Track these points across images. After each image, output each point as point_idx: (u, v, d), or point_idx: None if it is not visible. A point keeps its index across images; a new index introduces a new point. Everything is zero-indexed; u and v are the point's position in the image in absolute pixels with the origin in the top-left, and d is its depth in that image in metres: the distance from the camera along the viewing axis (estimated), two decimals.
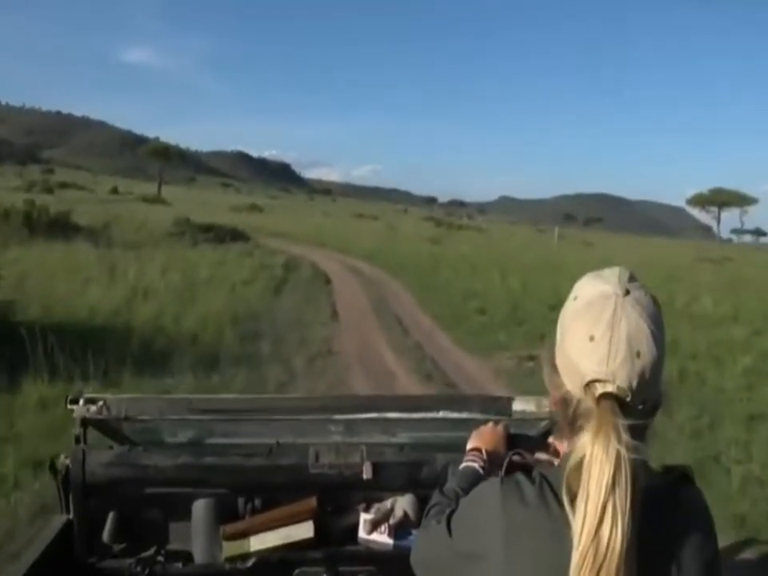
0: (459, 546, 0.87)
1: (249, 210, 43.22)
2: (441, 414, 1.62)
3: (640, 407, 0.79)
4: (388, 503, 1.60)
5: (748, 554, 2.59)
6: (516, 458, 0.90)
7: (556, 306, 1.57)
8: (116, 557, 1.57)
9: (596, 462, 0.74)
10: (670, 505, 0.83)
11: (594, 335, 0.79)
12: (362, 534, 1.58)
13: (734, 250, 48.88)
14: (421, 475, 1.60)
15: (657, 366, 0.79)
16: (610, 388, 0.78)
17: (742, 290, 15.44)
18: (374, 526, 1.56)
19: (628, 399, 0.77)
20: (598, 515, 0.72)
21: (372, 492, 1.62)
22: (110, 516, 1.57)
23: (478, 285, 13.38)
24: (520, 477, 0.83)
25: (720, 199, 72.46)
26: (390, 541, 1.55)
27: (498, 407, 1.58)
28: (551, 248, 30.52)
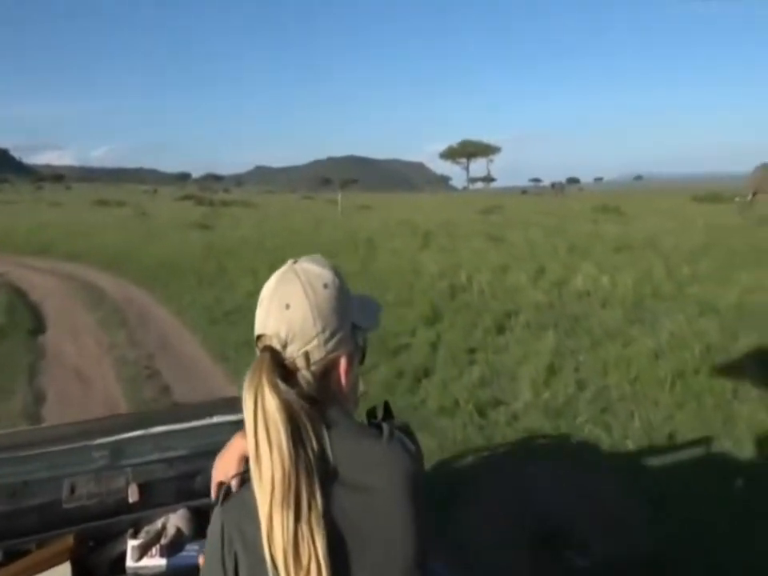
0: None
1: None
2: (215, 419, 1.67)
3: (296, 355, 0.88)
4: (159, 523, 1.53)
5: None
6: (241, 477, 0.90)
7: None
8: None
9: (246, 408, 0.82)
10: (360, 452, 0.86)
11: (262, 300, 0.91)
12: (129, 562, 1.48)
13: (494, 197, 51.57)
14: (194, 486, 1.59)
15: (307, 315, 0.87)
16: (266, 341, 0.89)
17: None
18: (144, 550, 1.46)
19: (281, 349, 0.87)
20: (253, 455, 0.80)
21: (141, 515, 1.56)
22: None
23: None
24: (244, 493, 0.86)
25: (468, 150, 78.27)
26: (162, 562, 1.48)
27: None
28: (337, 217, 26.83)
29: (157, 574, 1.48)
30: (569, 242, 13.63)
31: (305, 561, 0.77)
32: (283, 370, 0.86)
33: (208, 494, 1.06)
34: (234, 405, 1.48)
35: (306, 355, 0.88)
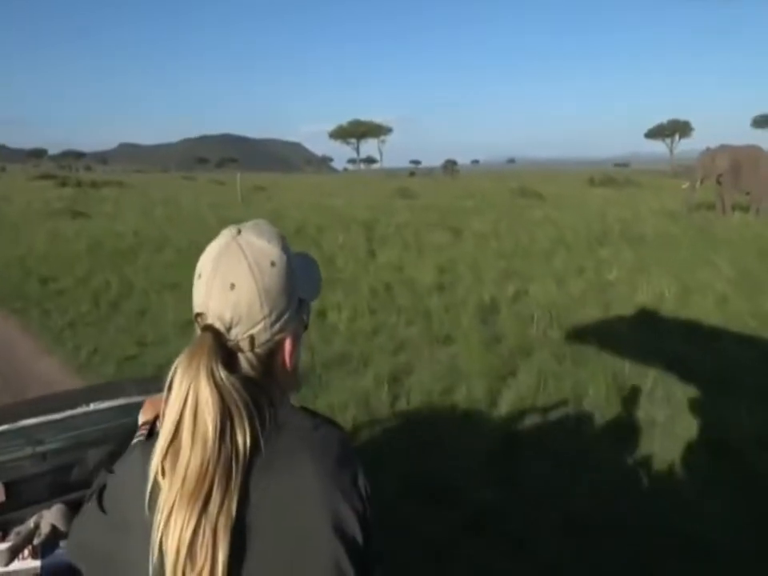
0: (112, 518, 0.83)
1: None
2: (92, 407, 1.55)
3: (240, 338, 0.81)
4: (31, 522, 1.41)
5: None
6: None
7: None
8: None
9: (175, 393, 0.75)
10: (292, 437, 0.80)
11: (201, 273, 0.82)
12: None
13: (391, 179, 49.79)
14: (70, 479, 1.49)
15: (254, 298, 0.80)
16: (208, 320, 0.80)
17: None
18: (14, 553, 1.34)
19: (224, 331, 0.80)
20: (167, 440, 0.74)
21: (10, 515, 1.44)
22: None
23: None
24: (137, 451, 0.84)
25: (359, 130, 75.92)
26: (36, 563, 1.37)
27: (161, 385, 1.08)
28: (236, 201, 23.40)
29: None
30: (571, 234, 11.78)
31: (199, 563, 0.71)
32: (225, 352, 0.79)
33: (86, 486, 1.01)
34: (112, 391, 1.37)
35: (252, 338, 0.81)
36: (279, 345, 0.85)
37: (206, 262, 0.82)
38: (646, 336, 5.47)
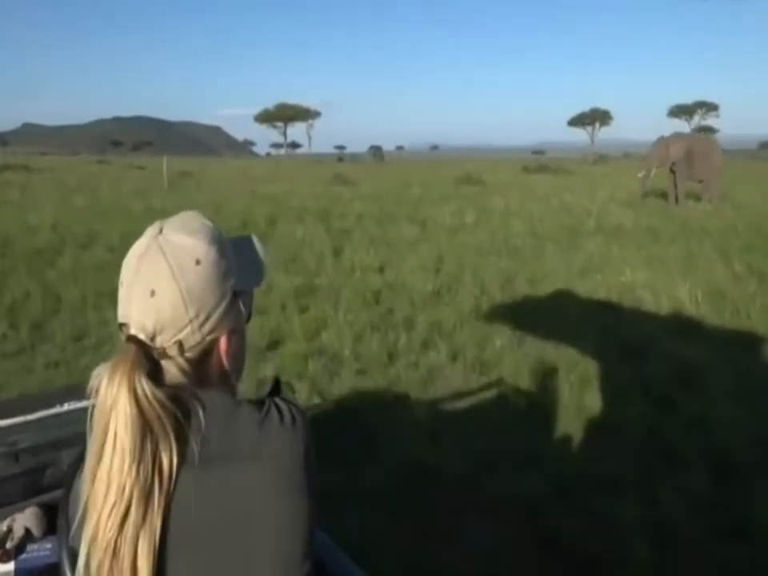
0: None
1: None
2: (66, 407, 1.56)
3: (167, 345, 0.77)
4: (4, 525, 1.37)
5: None
6: None
7: None
8: None
9: (99, 410, 0.73)
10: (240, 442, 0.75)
11: (122, 280, 0.79)
12: None
13: (322, 164, 48.02)
14: (43, 481, 1.47)
15: (177, 302, 0.76)
16: (131, 330, 0.77)
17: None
18: None
19: (148, 341, 0.76)
20: (96, 456, 0.72)
21: None
22: None
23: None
24: None
25: (287, 114, 73.15)
26: (9, 567, 1.33)
27: None
28: (163, 187, 21.42)
29: None
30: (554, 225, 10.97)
31: (125, 566, 0.70)
32: (150, 364, 0.75)
33: (58, 487, 1.04)
34: (83, 390, 1.10)
35: (179, 343, 0.77)
36: (213, 345, 0.81)
37: (127, 268, 0.78)
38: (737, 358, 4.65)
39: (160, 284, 0.75)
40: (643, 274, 7.12)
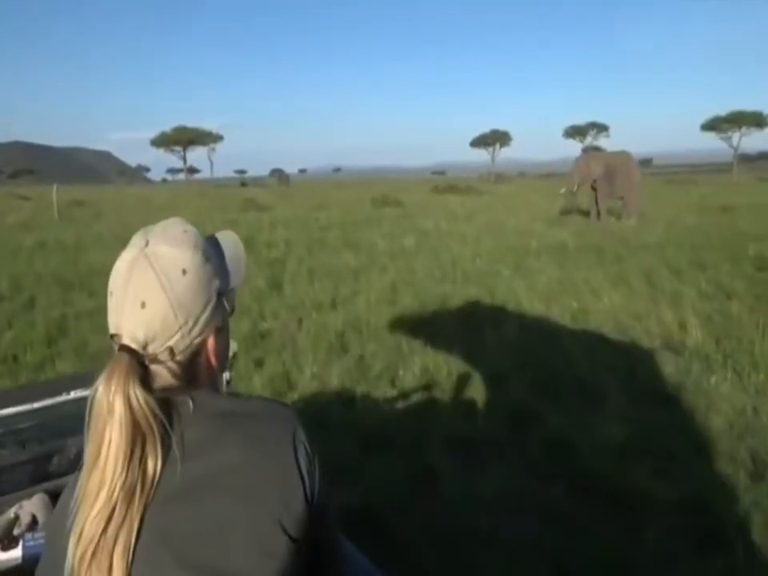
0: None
1: None
2: (72, 396, 1.53)
3: (159, 352, 0.78)
4: (11, 512, 1.37)
5: None
6: None
7: None
8: None
9: (94, 419, 0.73)
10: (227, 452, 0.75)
11: (112, 291, 0.78)
12: None
13: (227, 189, 45.78)
14: (49, 469, 1.48)
15: (167, 312, 0.77)
16: (123, 340, 0.77)
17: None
18: None
19: (140, 349, 0.77)
20: (92, 457, 0.72)
21: None
22: None
23: None
24: None
25: (186, 137, 70.15)
26: (17, 554, 1.32)
27: None
28: (50, 216, 19.35)
29: (14, 567, 1.30)
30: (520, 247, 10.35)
31: (103, 562, 0.71)
32: (142, 370, 0.76)
33: (66, 474, 1.03)
34: (88, 379, 1.12)
35: (170, 349, 0.79)
36: (202, 346, 0.83)
37: (116, 279, 0.78)
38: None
39: (149, 296, 0.76)
40: (617, 297, 6.64)
